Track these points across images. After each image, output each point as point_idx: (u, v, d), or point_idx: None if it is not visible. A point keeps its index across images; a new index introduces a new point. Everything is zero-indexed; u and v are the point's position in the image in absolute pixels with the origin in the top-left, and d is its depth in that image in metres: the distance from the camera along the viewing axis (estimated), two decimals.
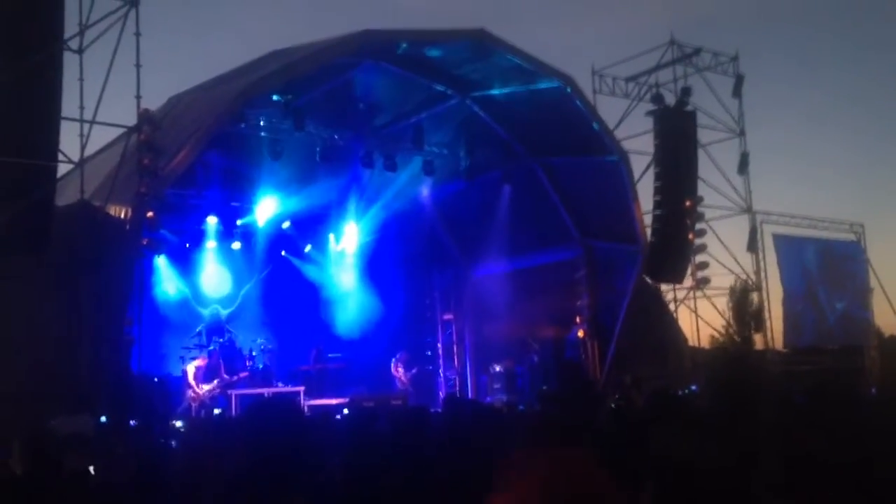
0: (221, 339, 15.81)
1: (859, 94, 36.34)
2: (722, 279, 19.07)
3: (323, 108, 15.07)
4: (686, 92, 18.13)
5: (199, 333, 15.92)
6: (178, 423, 11.11)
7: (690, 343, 18.91)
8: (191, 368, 14.54)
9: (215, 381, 14.55)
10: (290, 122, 14.48)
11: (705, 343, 19.19)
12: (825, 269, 21.60)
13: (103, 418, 7.47)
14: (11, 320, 9.61)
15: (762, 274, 20.05)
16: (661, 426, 4.16)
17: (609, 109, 18.45)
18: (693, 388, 12.69)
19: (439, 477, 3.91)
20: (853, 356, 20.65)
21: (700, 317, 19.30)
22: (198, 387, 14.35)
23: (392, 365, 16.96)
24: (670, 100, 18.22)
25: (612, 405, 10.04)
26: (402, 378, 16.89)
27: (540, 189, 17.48)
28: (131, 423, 8.48)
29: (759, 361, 16.50)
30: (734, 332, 17.84)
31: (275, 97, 13.94)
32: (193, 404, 14.18)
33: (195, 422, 11.87)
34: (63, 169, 11.51)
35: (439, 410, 7.03)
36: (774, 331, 19.77)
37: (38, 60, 10.10)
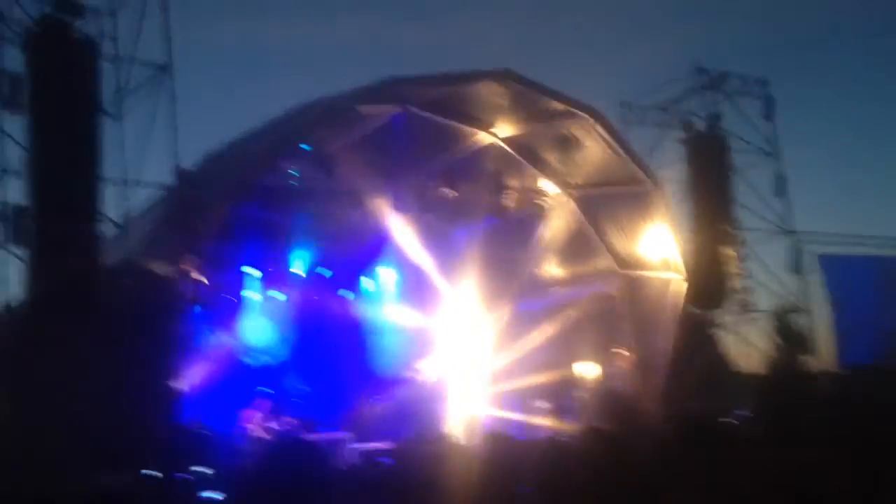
0: (268, 389, 15.96)
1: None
2: (766, 303, 18.77)
3: (353, 154, 15.32)
4: (716, 118, 18.10)
5: (246, 383, 16.08)
6: (207, 470, 11.19)
7: (740, 368, 18.58)
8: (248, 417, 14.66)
9: (263, 432, 14.65)
10: (321, 170, 14.75)
11: (754, 367, 18.81)
12: (874, 286, 21.09)
13: (146, 471, 7.65)
14: (59, 381, 9.88)
15: (808, 296, 19.68)
16: (694, 451, 4.14)
17: (640, 139, 18.48)
18: (740, 412, 12.45)
19: None
20: None
21: (747, 341, 18.98)
22: (253, 433, 14.44)
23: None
24: (701, 126, 18.18)
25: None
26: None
27: (576, 222, 17.47)
28: (174, 475, 8.63)
29: (810, 384, 16.11)
30: (783, 356, 17.46)
31: (305, 147, 14.23)
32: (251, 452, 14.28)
33: (228, 472, 11.95)
34: (107, 231, 11.90)
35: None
36: (825, 352, 19.31)
37: (77, 127, 10.51)
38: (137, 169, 11.97)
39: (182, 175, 12.09)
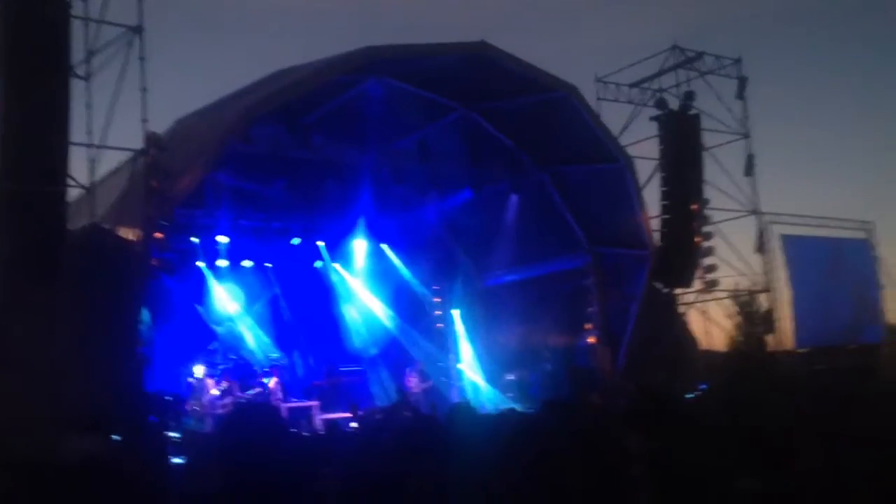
0: (234, 357, 15.97)
1: (867, 92, 36.19)
2: (732, 281, 19.03)
3: (327, 124, 15.24)
4: (689, 96, 18.18)
5: (213, 351, 16.08)
6: (174, 435, 11.24)
7: (703, 346, 18.88)
8: (194, 384, 14.61)
9: (228, 399, 14.67)
10: (295, 139, 14.65)
11: (717, 346, 19.13)
12: (835, 268, 21.50)
13: (116, 437, 7.61)
14: (24, 345, 9.77)
15: (771, 275, 20.00)
16: (649, 426, 4.23)
17: (613, 116, 18.51)
18: (703, 386, 12.69)
19: (442, 484, 3.99)
20: (867, 354, 20.52)
21: (710, 319, 19.27)
22: (200, 401, 14.37)
23: (406, 377, 17.06)
24: (674, 104, 18.27)
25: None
26: (416, 389, 16.97)
27: (547, 198, 17.57)
28: (142, 440, 8.62)
29: (770, 363, 16.45)
30: (744, 334, 17.78)
31: (279, 115, 14.10)
32: (205, 418, 14.27)
33: (191, 435, 12.00)
34: (73, 194, 11.71)
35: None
36: (785, 331, 19.70)
37: (46, 88, 10.30)
38: (106, 131, 11.75)
39: (152, 139, 11.91)
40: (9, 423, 8.25)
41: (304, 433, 11.92)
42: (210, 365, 15.36)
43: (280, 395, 15.18)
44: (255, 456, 2.11)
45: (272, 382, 15.08)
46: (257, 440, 2.14)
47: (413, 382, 17.04)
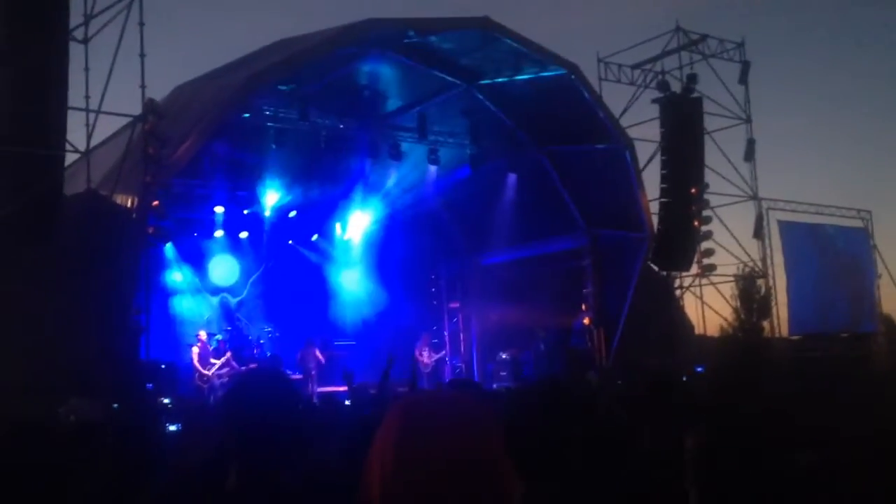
0: (230, 328, 15.94)
1: (867, 81, 36.09)
2: (728, 266, 19.04)
3: (328, 97, 15.12)
4: (692, 79, 18.09)
5: (208, 321, 16.05)
6: (166, 400, 11.23)
7: (697, 331, 18.93)
8: (194, 352, 14.61)
9: (225, 370, 14.65)
10: (295, 111, 14.54)
11: (712, 330, 19.17)
12: (831, 255, 21.55)
13: (116, 405, 7.61)
14: (20, 308, 9.73)
15: (768, 261, 20.03)
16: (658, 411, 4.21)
17: (615, 97, 18.43)
18: (698, 369, 12.70)
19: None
20: (861, 343, 20.59)
21: (706, 304, 19.30)
22: (204, 369, 14.39)
23: (416, 350, 17.05)
24: (676, 87, 18.18)
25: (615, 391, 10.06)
26: (427, 361, 16.98)
27: (545, 177, 17.49)
28: (137, 407, 8.63)
29: (765, 348, 16.49)
30: (741, 320, 17.80)
31: (280, 86, 13.99)
32: (203, 387, 14.26)
33: (187, 402, 11.99)
34: (70, 159, 11.63)
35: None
36: (780, 318, 19.74)
37: (44, 51, 10.17)
38: (103, 97, 11.64)
39: (150, 105, 11.79)
40: (4, 384, 8.23)
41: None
42: (208, 335, 15.32)
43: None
44: (261, 422, 2.06)
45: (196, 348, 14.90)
46: (265, 405, 2.08)
47: (425, 354, 17.06)
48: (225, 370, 14.65)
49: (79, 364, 9.04)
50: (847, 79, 35.51)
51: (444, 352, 17.49)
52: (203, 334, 14.78)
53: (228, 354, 14.77)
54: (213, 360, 14.49)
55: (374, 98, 16.11)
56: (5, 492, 3.55)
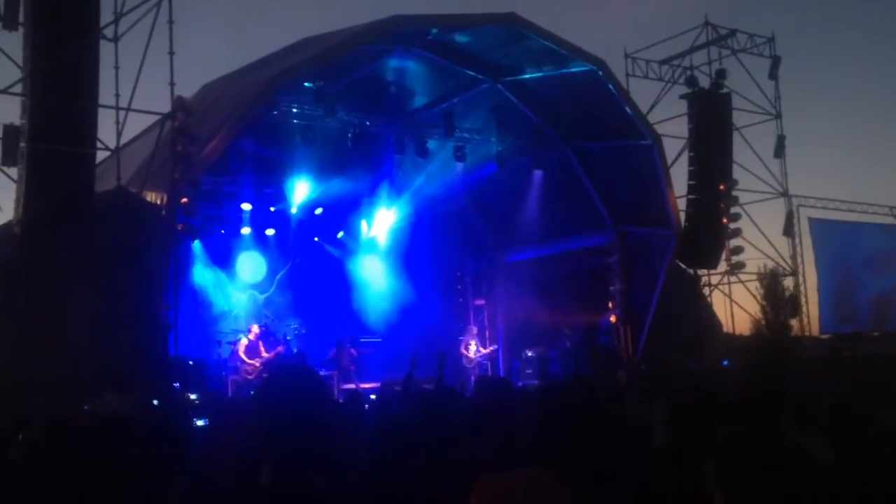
0: (258, 324, 16.03)
1: None
2: (757, 264, 18.85)
3: (354, 94, 15.15)
4: (721, 74, 17.90)
5: (236, 318, 16.16)
6: (193, 396, 11.36)
7: (726, 329, 18.74)
8: (242, 344, 14.81)
9: (256, 362, 14.77)
10: (321, 108, 14.58)
11: (741, 329, 18.99)
12: (863, 253, 21.24)
13: (156, 402, 7.72)
14: (52, 304, 9.86)
15: (798, 259, 19.78)
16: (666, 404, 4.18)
17: (642, 93, 18.30)
18: (724, 362, 12.59)
19: (463, 457, 3.94)
20: (893, 341, 20.29)
21: (735, 302, 19.11)
22: (251, 360, 14.63)
23: (462, 344, 17.07)
24: (705, 82, 18.00)
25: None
26: (471, 357, 16.97)
27: (572, 174, 17.40)
28: (169, 402, 8.72)
29: (794, 348, 16.29)
30: (769, 318, 17.61)
31: (307, 84, 14.04)
32: (249, 378, 14.48)
33: (215, 398, 12.12)
34: (100, 156, 11.75)
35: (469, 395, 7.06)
36: (811, 316, 19.50)
37: (75, 49, 10.29)
38: (133, 94, 11.76)
39: (179, 103, 11.88)
40: (36, 378, 8.34)
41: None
42: (232, 332, 15.46)
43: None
44: (294, 419, 2.06)
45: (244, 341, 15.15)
46: (298, 402, 2.09)
47: (471, 349, 17.06)
48: (256, 362, 14.76)
49: (111, 360, 9.14)
50: (880, 74, 34.97)
51: (495, 346, 17.43)
52: (256, 328, 15.03)
53: (280, 349, 15.03)
54: (263, 354, 14.76)
55: (400, 95, 16.11)
56: (42, 483, 3.60)
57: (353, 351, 16.14)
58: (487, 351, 17.37)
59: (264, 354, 14.80)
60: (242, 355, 14.60)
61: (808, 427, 3.59)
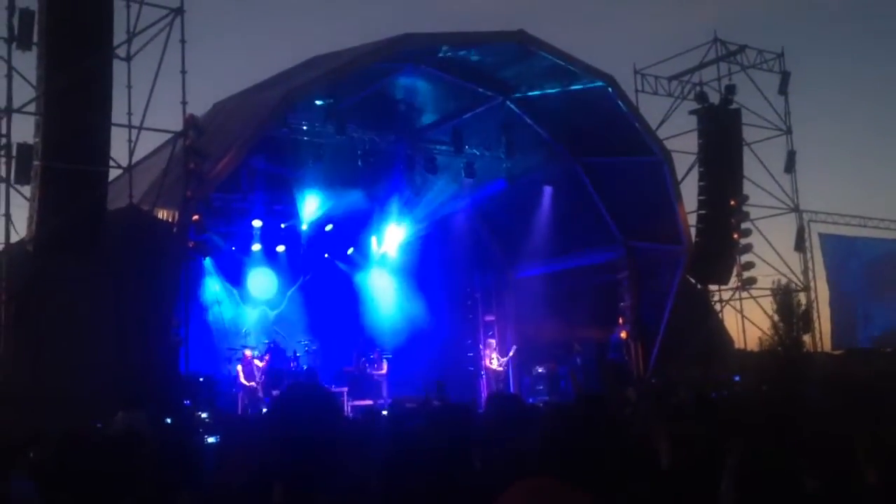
0: (268, 341, 16.06)
1: None
2: (768, 280, 18.75)
3: (364, 111, 15.24)
4: (730, 90, 17.91)
5: (246, 335, 16.18)
6: (204, 414, 11.38)
7: (737, 345, 18.64)
8: (239, 369, 14.85)
9: (253, 383, 14.80)
10: (332, 125, 14.67)
11: (752, 345, 18.88)
12: (875, 268, 21.13)
13: (168, 420, 7.73)
14: (64, 321, 9.91)
15: (810, 274, 19.68)
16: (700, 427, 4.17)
17: (652, 109, 18.32)
18: (735, 378, 12.52)
19: (474, 474, 3.93)
20: None
21: (746, 318, 19.02)
22: (249, 382, 14.69)
23: (485, 358, 17.17)
24: (714, 98, 18.01)
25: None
26: (497, 368, 17.14)
27: (582, 190, 17.41)
28: (179, 419, 8.73)
29: (806, 364, 16.17)
30: (781, 334, 17.51)
31: (317, 101, 14.13)
32: (259, 396, 14.57)
33: (225, 416, 12.14)
34: (113, 174, 11.85)
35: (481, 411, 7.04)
36: (823, 332, 19.38)
37: (88, 68, 10.40)
38: (145, 113, 11.87)
39: (191, 122, 11.98)
40: (48, 395, 8.38)
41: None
42: (243, 349, 15.49)
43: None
44: (306, 439, 2.07)
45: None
46: (310, 422, 2.09)
47: (494, 361, 17.22)
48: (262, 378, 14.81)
49: (122, 377, 9.17)
50: (891, 89, 34.90)
51: (514, 348, 17.59)
52: (248, 352, 15.07)
53: (267, 357, 15.08)
54: (257, 364, 14.83)
55: (409, 112, 16.19)
56: (56, 497, 3.62)
57: (364, 366, 16.15)
58: (507, 358, 17.46)
59: (259, 364, 14.85)
60: (242, 381, 14.71)
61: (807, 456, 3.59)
